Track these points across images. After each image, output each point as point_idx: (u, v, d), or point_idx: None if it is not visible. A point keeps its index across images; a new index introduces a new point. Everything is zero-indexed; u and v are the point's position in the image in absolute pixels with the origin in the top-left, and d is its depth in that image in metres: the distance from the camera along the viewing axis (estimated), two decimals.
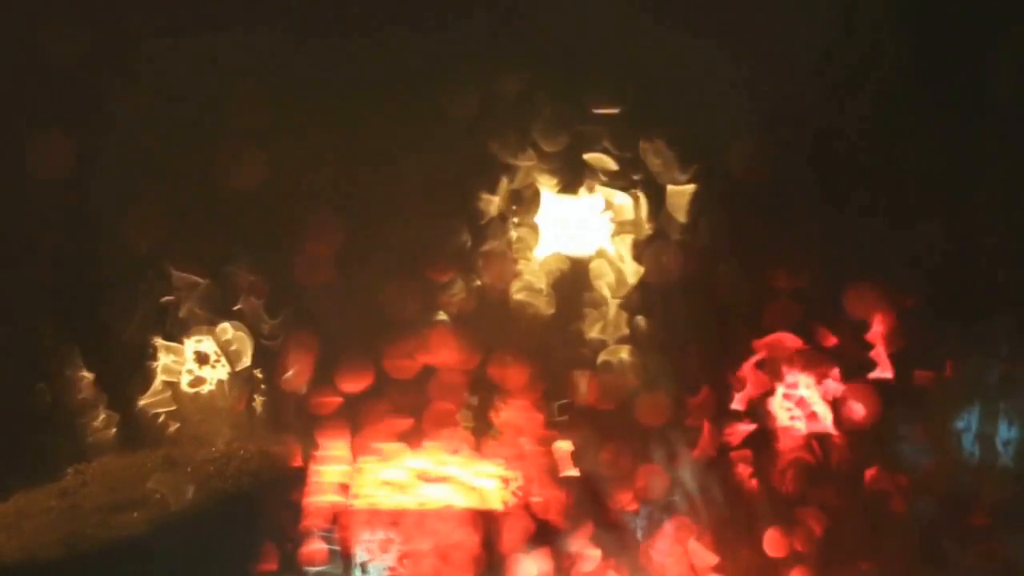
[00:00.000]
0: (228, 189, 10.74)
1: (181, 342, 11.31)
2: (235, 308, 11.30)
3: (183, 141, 10.85)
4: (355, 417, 10.76)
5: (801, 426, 10.98)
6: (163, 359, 11.29)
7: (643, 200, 11.22)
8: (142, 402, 11.24)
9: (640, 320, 11.13)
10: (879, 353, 10.95)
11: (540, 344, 11.05)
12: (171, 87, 10.91)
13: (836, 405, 10.98)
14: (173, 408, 11.29)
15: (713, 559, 10.72)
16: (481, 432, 10.95)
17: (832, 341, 10.97)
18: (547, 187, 11.26)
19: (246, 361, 11.25)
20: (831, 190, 11.04)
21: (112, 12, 10.74)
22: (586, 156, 11.15)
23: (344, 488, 10.63)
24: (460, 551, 10.47)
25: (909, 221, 10.94)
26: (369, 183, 10.92)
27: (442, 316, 11.03)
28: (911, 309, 10.92)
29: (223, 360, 11.32)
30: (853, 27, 11.13)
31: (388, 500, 10.63)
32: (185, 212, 10.90)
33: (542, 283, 11.19)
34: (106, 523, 10.56)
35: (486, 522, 10.54)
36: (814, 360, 10.98)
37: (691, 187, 11.14)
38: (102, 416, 11.18)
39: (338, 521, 10.54)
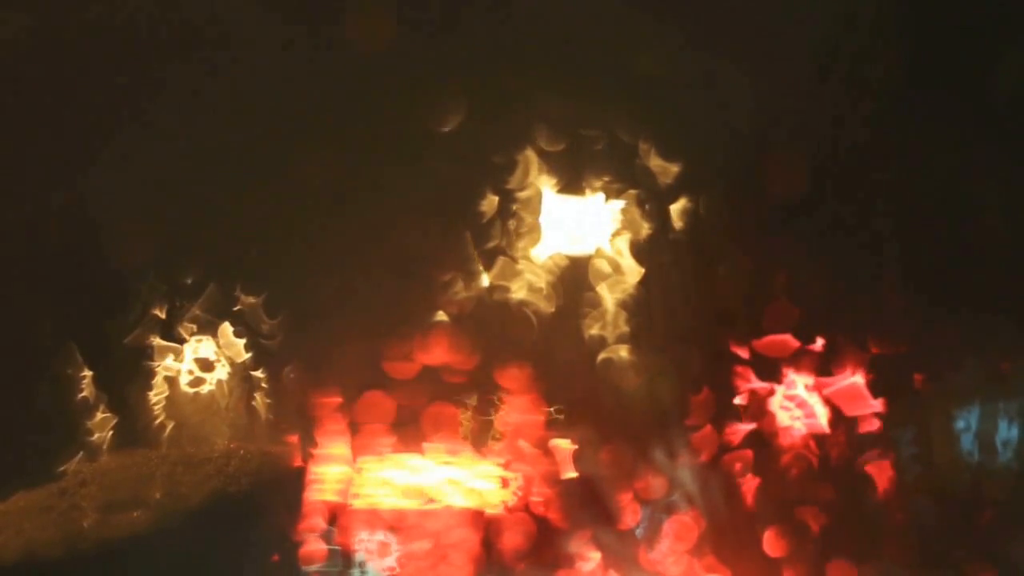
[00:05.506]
0: (229, 192, 10.76)
1: (181, 343, 11.32)
2: (235, 308, 11.32)
3: (184, 143, 10.87)
4: (355, 417, 10.77)
5: (800, 426, 11.00)
6: (163, 359, 11.31)
7: (643, 201, 11.23)
8: (142, 402, 11.26)
9: (640, 320, 11.13)
10: (879, 354, 10.97)
11: (540, 344, 11.05)
12: (174, 94, 10.94)
13: (835, 405, 11.00)
14: (173, 408, 11.31)
15: (713, 558, 10.74)
16: (481, 433, 10.95)
17: (831, 342, 10.98)
18: (548, 187, 11.26)
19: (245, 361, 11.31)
20: (831, 191, 11.06)
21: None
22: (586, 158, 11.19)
23: (344, 488, 10.65)
24: (460, 551, 10.49)
25: (909, 222, 10.96)
26: (369, 183, 10.93)
27: (442, 316, 11.03)
28: (911, 309, 10.93)
29: (223, 360, 11.33)
30: (853, 31, 11.15)
31: (388, 500, 10.64)
32: (186, 214, 10.91)
33: (542, 283, 11.19)
34: (106, 523, 10.59)
35: (486, 522, 10.57)
36: (813, 361, 11.00)
37: (691, 188, 11.15)
38: (102, 416, 11.20)
39: (338, 521, 10.56)
